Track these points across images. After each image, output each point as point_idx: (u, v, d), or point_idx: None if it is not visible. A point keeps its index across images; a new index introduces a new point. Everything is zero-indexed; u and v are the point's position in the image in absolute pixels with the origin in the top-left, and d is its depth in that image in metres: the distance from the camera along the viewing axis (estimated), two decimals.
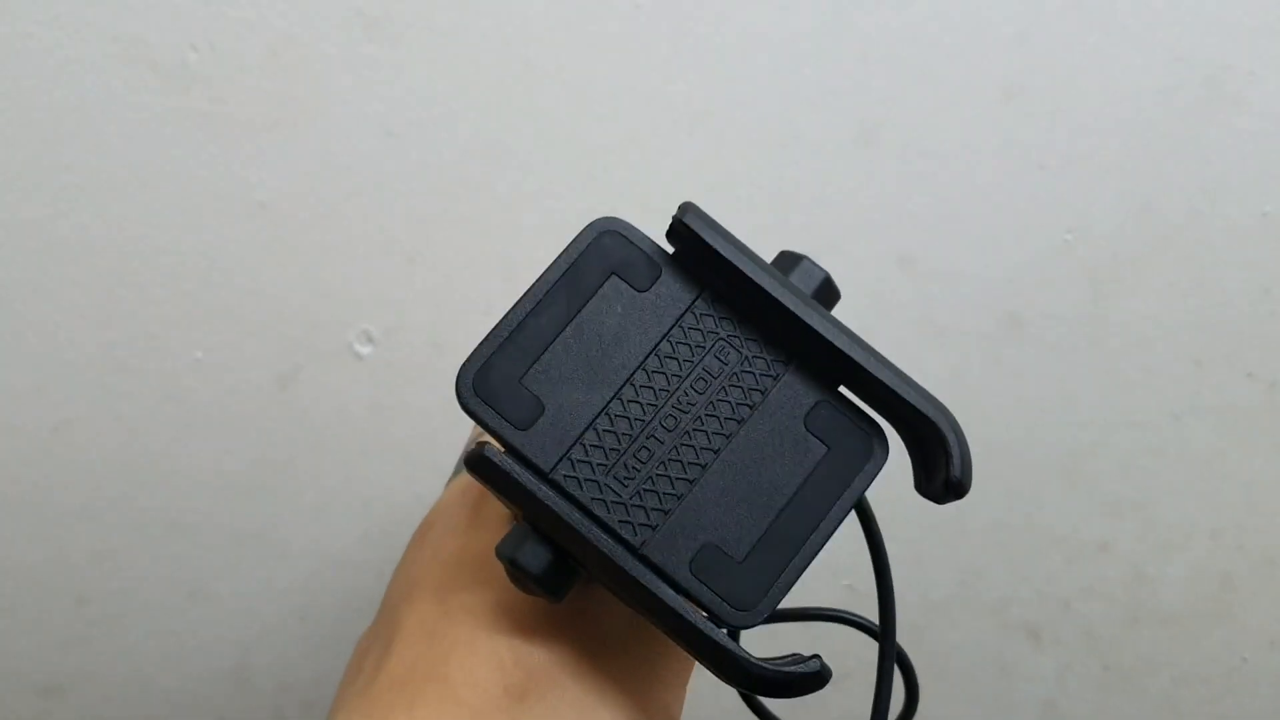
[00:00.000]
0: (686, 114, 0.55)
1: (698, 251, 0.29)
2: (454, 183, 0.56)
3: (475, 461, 0.28)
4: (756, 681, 0.27)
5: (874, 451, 0.29)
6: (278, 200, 0.56)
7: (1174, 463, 0.63)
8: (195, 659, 0.66)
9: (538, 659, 0.28)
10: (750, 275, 0.29)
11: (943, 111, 0.56)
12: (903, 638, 0.66)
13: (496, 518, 0.32)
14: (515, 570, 0.27)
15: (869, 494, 0.32)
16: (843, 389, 0.30)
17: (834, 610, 0.40)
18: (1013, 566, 0.65)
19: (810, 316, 0.29)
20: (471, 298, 0.58)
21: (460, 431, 0.60)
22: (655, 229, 0.30)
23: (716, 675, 0.28)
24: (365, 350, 0.59)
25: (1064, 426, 0.62)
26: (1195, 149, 0.57)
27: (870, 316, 0.59)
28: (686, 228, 0.29)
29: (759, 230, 0.58)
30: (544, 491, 0.27)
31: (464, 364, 0.29)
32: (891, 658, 0.35)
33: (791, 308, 0.28)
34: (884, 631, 0.35)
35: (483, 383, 0.29)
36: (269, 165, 0.56)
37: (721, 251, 0.29)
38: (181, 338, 0.58)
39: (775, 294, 0.29)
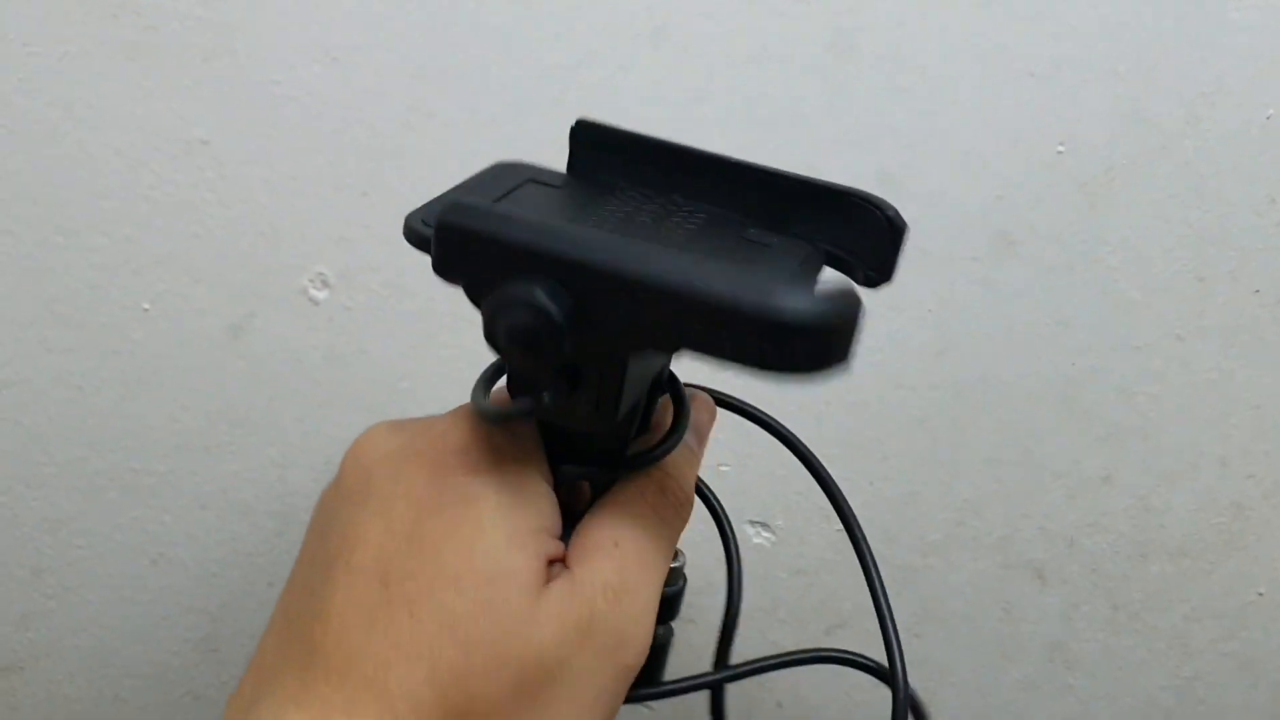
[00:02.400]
0: (648, 27, 0.52)
1: (599, 152, 0.31)
2: (404, 109, 0.53)
3: (455, 210, 0.25)
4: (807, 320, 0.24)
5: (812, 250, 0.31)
6: (219, 136, 0.53)
7: (1178, 387, 0.59)
8: (161, 630, 0.63)
9: (477, 685, 0.27)
10: (653, 138, 0.31)
11: (920, 14, 0.52)
12: (900, 580, 0.63)
13: (460, 496, 0.29)
14: (532, 318, 0.25)
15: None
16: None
17: (830, 651, 0.39)
18: (1013, 503, 0.62)
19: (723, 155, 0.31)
20: None
21: (422, 377, 0.57)
22: None
23: (756, 343, 0.24)
24: (321, 295, 0.56)
25: (1060, 353, 0.59)
26: (1191, 49, 0.53)
27: None
28: (586, 124, 0.31)
29: (735, 146, 0.55)
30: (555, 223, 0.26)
31: (415, 210, 0.28)
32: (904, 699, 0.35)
33: (697, 149, 0.31)
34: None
35: (454, 211, 0.26)
36: (208, 98, 0.52)
37: (623, 131, 0.31)
38: (126, 288, 0.55)
39: (678, 144, 0.31)
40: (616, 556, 0.29)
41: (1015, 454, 0.61)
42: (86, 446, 0.58)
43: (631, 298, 0.25)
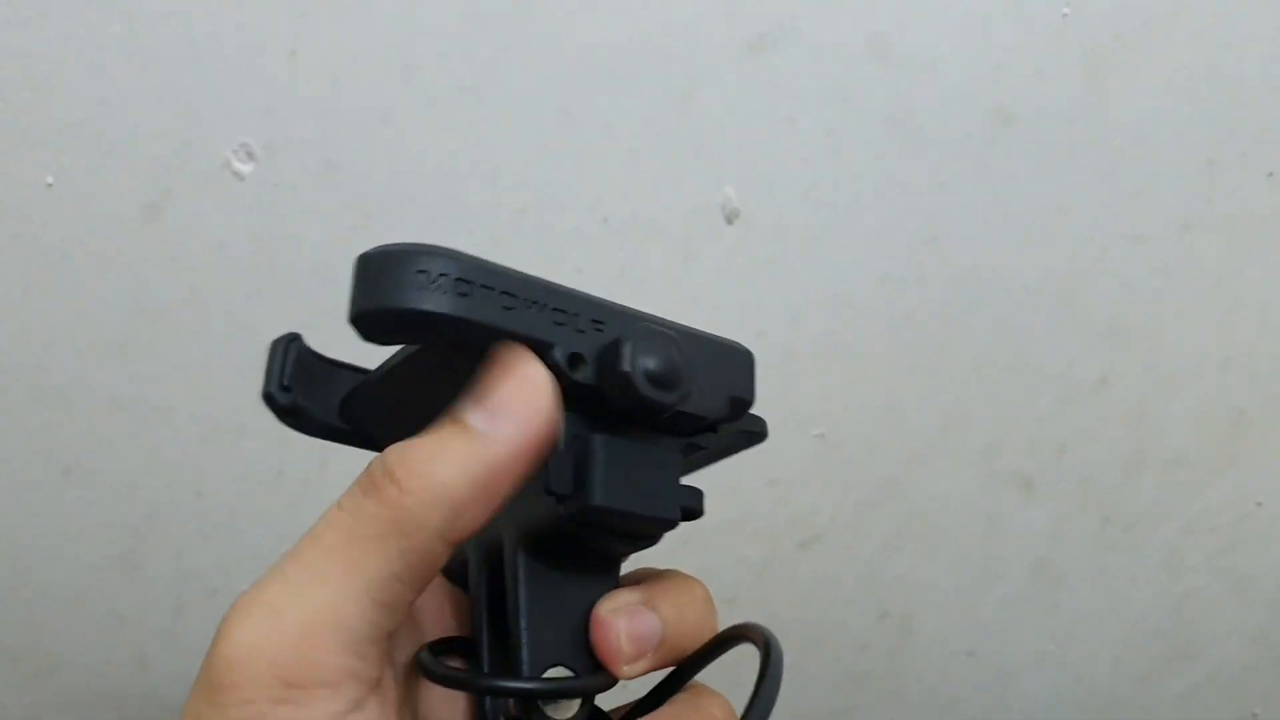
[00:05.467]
0: None
1: None
2: None
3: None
4: None
5: None
6: None
7: (1182, 282, 0.56)
8: (77, 546, 0.58)
9: None
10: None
11: None
12: (881, 493, 0.59)
13: None
14: None
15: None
16: None
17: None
18: (1001, 408, 0.58)
19: None
20: (366, 100, 0.49)
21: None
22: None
23: None
24: (246, 169, 0.50)
25: (1058, 243, 0.55)
26: None
27: (834, 115, 0.51)
28: None
29: (706, 9, 0.49)
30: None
31: None
32: None
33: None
34: None
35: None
36: None
37: None
38: (27, 160, 0.50)
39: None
40: None
41: (1006, 355, 0.57)
42: None
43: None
